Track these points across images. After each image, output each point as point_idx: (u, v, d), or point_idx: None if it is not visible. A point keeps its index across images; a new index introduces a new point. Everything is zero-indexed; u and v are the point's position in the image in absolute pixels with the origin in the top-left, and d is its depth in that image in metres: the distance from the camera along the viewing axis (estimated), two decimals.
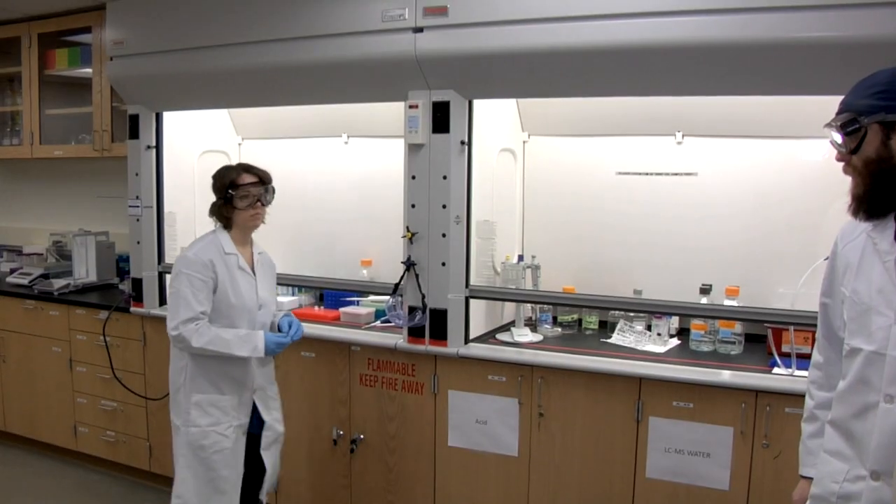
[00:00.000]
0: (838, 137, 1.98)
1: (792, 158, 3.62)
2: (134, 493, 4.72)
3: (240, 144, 4.89)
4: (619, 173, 3.90)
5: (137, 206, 4.48)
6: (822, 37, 2.82)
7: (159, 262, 4.50)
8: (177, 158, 4.56)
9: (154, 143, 4.43)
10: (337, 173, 4.59)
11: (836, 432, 2.08)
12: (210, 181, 3.39)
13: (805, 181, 3.59)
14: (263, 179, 3.34)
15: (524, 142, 4.14)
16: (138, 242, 4.51)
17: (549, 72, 3.29)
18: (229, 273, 3.29)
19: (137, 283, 4.53)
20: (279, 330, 3.44)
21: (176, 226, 4.55)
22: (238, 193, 3.26)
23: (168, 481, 4.56)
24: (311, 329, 3.87)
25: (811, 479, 2.19)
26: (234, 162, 4.75)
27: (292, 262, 4.61)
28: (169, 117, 4.47)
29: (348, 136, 4.50)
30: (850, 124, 1.93)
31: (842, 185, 3.43)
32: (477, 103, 3.58)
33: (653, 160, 3.85)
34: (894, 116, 1.89)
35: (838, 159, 2.02)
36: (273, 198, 3.38)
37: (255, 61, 3.86)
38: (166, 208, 4.51)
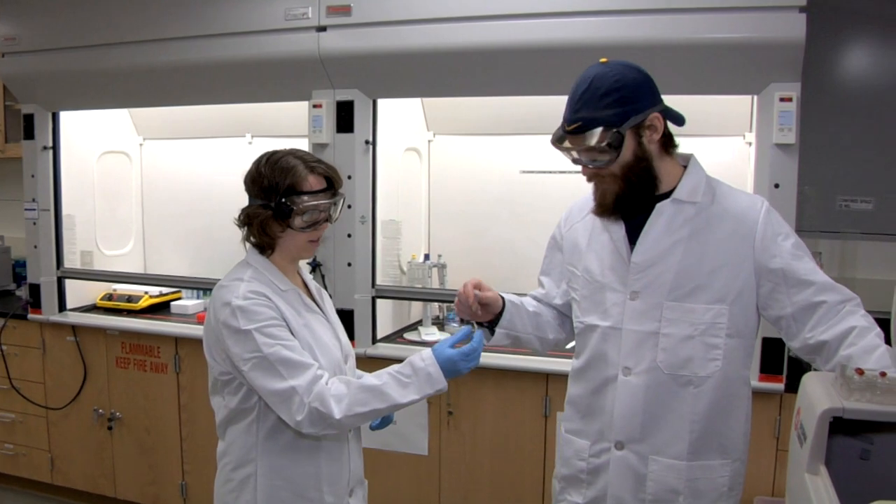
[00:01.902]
0: (577, 154, 2.03)
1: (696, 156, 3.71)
2: None
3: (141, 145, 4.77)
4: (524, 172, 3.94)
5: (34, 210, 4.32)
6: (718, 38, 2.95)
7: (58, 267, 4.35)
8: (75, 160, 4.42)
9: (51, 144, 4.29)
10: (241, 174, 4.48)
11: (575, 411, 2.23)
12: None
13: None
14: (334, 183, 2.19)
15: (429, 141, 4.15)
16: (35, 247, 4.35)
17: (453, 71, 3.31)
18: (299, 317, 2.15)
19: (35, 289, 4.37)
20: None
21: (75, 229, 4.41)
22: (300, 206, 2.10)
23: (72, 493, 4.45)
24: None
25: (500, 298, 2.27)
26: (134, 161, 4.69)
27: (199, 266, 4.54)
28: (66, 117, 4.34)
29: (252, 136, 4.43)
30: (613, 138, 1.97)
31: (739, 181, 3.55)
32: (381, 102, 3.58)
33: (558, 158, 3.88)
34: (643, 115, 1.99)
35: (589, 173, 2.07)
36: (340, 213, 2.26)
37: (156, 60, 3.78)
38: (65, 211, 4.36)
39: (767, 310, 2.07)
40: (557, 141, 2.06)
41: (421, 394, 2.04)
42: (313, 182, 2.13)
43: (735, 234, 2.03)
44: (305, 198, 2.11)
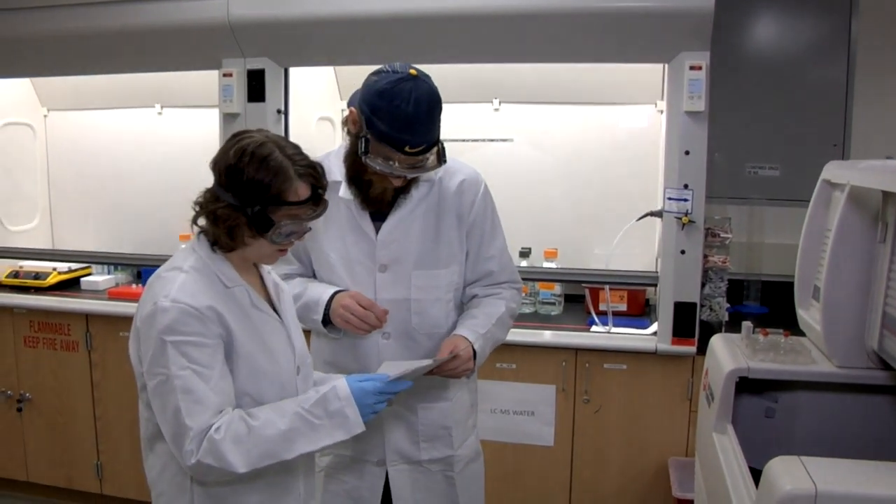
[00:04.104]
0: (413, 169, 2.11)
1: (603, 124, 3.76)
2: None
3: (45, 116, 4.59)
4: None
5: None
6: (629, 7, 2.99)
7: None
8: None
9: None
10: (151, 145, 4.39)
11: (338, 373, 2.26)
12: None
13: (616, 145, 3.73)
14: (322, 192, 1.82)
15: (342, 110, 4.03)
16: None
17: (364, 38, 3.28)
18: (245, 320, 1.82)
19: None
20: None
21: None
22: (282, 217, 1.76)
23: None
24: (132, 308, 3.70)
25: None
26: (38, 133, 4.53)
27: (108, 240, 4.43)
28: None
29: (162, 107, 4.32)
30: (442, 149, 2.13)
31: (652, 148, 3.61)
32: (293, 71, 3.53)
33: (474, 127, 3.90)
34: None
35: (403, 181, 2.16)
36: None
37: (61, 27, 3.65)
38: None
39: None
40: (407, 165, 2.08)
41: (332, 440, 1.80)
42: (301, 191, 1.76)
43: (459, 204, 2.27)
44: (293, 210, 1.77)
